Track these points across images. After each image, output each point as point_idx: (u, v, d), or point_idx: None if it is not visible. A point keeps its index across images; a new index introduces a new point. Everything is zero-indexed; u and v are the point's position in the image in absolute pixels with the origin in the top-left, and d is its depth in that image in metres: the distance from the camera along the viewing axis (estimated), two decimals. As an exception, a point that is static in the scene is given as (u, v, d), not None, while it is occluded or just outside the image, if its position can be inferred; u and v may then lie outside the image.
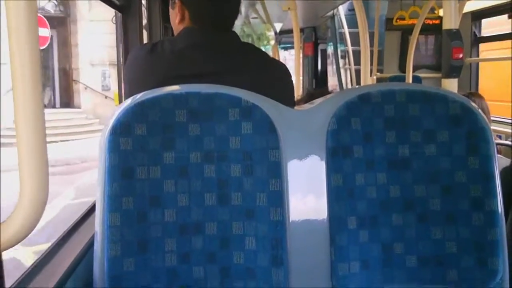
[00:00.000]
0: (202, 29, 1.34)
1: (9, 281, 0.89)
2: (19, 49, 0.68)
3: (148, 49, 1.32)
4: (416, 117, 1.17)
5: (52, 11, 14.29)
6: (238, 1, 1.45)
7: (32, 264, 1.11)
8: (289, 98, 1.37)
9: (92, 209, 1.44)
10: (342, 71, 6.64)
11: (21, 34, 0.68)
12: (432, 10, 4.28)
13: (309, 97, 2.10)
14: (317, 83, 8.44)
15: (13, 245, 0.71)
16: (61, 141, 11.84)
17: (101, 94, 14.52)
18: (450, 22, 1.34)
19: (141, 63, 1.31)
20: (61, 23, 14.51)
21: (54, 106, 14.71)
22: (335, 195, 1.14)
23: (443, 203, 1.17)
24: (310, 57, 8.38)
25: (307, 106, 1.23)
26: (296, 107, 1.31)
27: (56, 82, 14.91)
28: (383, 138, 1.17)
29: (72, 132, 13.12)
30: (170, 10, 1.44)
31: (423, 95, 1.19)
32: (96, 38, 13.87)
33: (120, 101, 1.90)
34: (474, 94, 3.23)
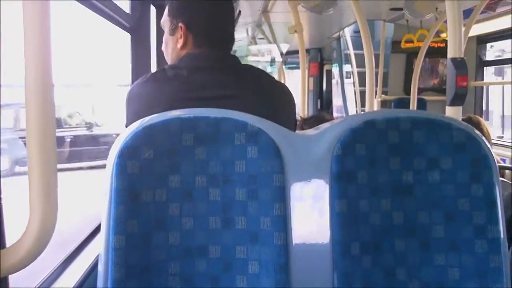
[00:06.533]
0: (205, 52, 1.35)
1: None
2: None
3: (150, 78, 1.33)
4: (420, 144, 1.18)
5: None
6: (233, 20, 1.48)
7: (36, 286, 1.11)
8: (291, 119, 1.40)
9: (96, 231, 1.44)
10: (347, 91, 6.67)
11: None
12: (438, 33, 4.30)
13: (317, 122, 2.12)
14: (322, 103, 8.47)
15: (19, 270, 0.72)
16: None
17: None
18: (455, 51, 1.35)
19: (147, 91, 1.32)
20: None
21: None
22: (338, 220, 1.14)
23: (446, 230, 1.17)
24: (315, 77, 8.42)
25: (312, 131, 1.24)
26: (300, 132, 1.32)
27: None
28: (387, 165, 1.17)
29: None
30: (167, 36, 1.43)
31: (427, 123, 1.19)
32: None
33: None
34: (473, 118, 3.23)
